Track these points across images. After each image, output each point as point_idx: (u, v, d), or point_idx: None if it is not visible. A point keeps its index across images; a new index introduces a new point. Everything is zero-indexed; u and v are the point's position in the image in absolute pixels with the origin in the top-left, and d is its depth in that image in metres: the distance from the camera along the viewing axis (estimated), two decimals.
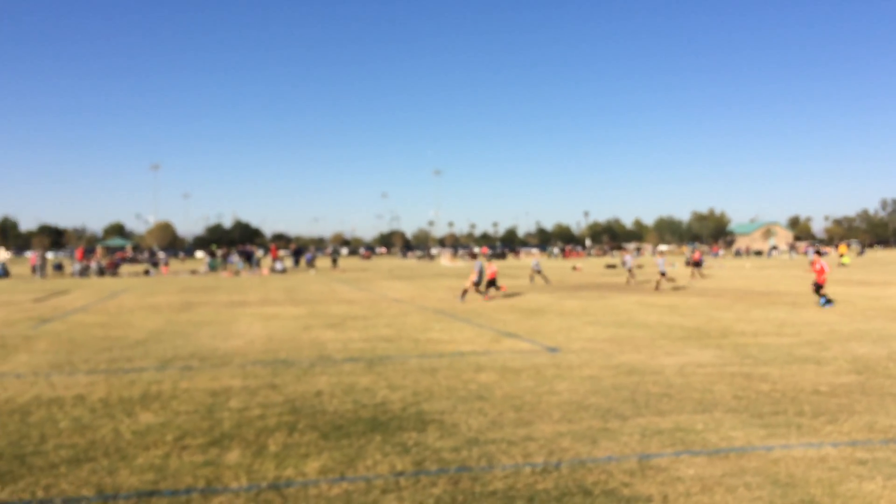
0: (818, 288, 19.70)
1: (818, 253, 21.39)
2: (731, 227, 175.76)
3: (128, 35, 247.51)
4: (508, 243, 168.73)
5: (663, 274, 28.87)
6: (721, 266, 55.27)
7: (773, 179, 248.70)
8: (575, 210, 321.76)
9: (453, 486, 5.36)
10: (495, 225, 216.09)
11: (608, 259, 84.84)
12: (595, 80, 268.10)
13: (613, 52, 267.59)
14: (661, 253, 43.69)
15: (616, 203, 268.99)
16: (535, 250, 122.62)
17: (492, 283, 23.97)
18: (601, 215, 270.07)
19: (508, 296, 25.05)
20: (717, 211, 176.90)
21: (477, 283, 23.66)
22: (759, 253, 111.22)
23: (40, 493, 5.24)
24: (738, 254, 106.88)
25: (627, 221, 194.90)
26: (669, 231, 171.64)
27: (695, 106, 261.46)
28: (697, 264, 38.50)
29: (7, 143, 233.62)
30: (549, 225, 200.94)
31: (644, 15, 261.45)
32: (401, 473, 5.65)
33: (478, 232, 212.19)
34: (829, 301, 19.36)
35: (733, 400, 8.22)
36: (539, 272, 34.02)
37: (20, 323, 17.05)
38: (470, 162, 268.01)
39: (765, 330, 14.65)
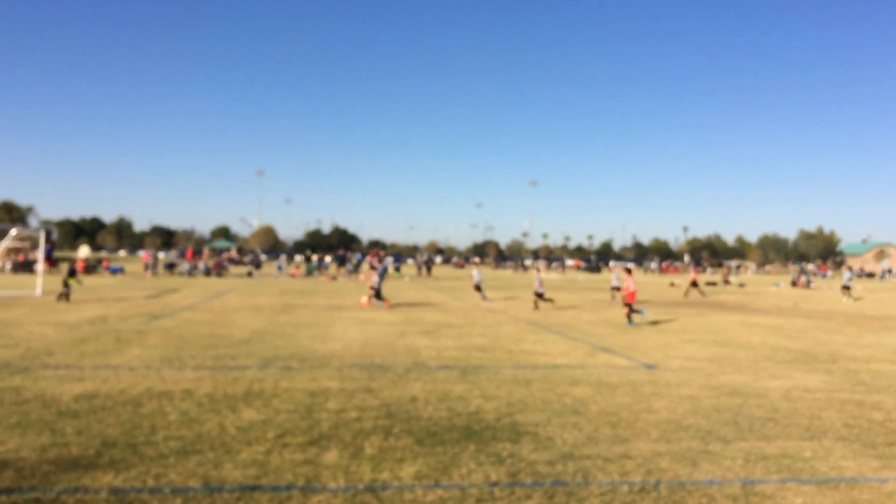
0: None
1: None
2: (842, 247, 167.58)
3: (237, 43, 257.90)
4: (603, 257, 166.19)
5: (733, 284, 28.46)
6: (829, 287, 52.76)
7: (889, 199, 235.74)
8: (674, 225, 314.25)
9: (548, 500, 5.31)
10: (590, 238, 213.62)
11: (708, 276, 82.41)
12: (698, 92, 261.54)
13: (721, 63, 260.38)
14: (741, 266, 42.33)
15: (717, 219, 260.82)
16: (630, 265, 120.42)
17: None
18: (701, 231, 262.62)
19: (605, 309, 24.64)
20: (827, 230, 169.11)
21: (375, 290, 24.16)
22: (870, 275, 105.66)
23: (151, 482, 5.49)
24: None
25: (729, 238, 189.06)
26: (774, 249, 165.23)
27: (806, 120, 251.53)
28: (695, 284, 37.40)
29: (124, 148, 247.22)
30: (646, 239, 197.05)
31: (763, 22, 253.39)
32: (495, 484, 5.64)
33: (572, 244, 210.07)
34: None
35: (844, 428, 7.83)
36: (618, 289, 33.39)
37: (134, 318, 17.95)
38: (566, 173, 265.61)
39: (878, 356, 13.90)
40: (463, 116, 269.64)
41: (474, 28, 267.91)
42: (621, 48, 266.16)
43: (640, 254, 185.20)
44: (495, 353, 13.05)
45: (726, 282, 55.18)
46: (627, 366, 12.01)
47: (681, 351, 14.02)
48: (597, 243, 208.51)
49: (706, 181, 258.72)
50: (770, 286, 55.00)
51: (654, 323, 19.82)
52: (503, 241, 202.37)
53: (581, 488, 5.60)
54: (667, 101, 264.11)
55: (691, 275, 39.15)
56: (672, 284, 51.24)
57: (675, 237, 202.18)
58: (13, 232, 33.10)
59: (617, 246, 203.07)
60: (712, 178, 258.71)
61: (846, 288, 34.78)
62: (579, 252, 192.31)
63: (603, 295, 35.35)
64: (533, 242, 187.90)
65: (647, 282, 59.62)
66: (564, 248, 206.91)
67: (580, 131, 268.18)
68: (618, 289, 29.17)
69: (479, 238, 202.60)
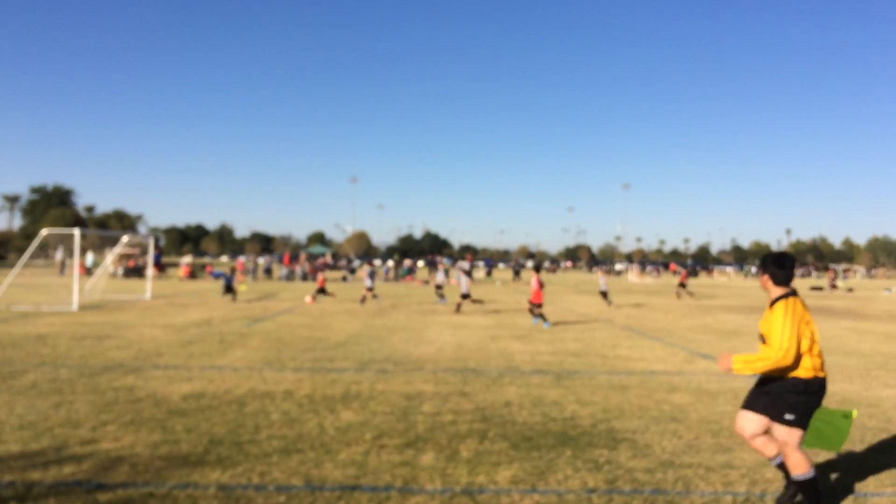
0: None
1: None
2: None
3: (333, 53, 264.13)
4: (700, 261, 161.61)
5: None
6: None
7: None
8: (776, 227, 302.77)
9: None
10: (686, 241, 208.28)
11: (813, 280, 79.01)
12: (801, 87, 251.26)
13: (829, 58, 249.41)
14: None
15: (823, 220, 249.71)
16: (729, 269, 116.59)
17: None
18: (805, 233, 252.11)
19: (703, 314, 23.98)
20: None
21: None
22: None
23: (256, 479, 5.69)
24: None
25: (836, 240, 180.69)
26: (885, 252, 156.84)
27: None
28: (683, 285, 35.72)
29: (226, 158, 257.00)
30: (745, 242, 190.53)
31: (879, 16, 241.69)
32: (593, 490, 5.57)
33: (667, 248, 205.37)
34: None
35: None
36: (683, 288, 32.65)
37: (235, 321, 18.62)
38: (660, 176, 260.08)
39: None
40: (554, 119, 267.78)
41: (564, 29, 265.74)
42: (719, 46, 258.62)
43: (740, 257, 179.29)
44: (589, 358, 12.89)
45: (833, 286, 52.71)
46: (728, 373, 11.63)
47: None
48: (693, 247, 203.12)
49: (811, 181, 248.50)
50: (881, 291, 52.24)
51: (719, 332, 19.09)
52: (595, 245, 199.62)
53: (682, 497, 5.47)
54: (768, 99, 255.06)
55: (682, 274, 37.76)
56: None
57: (777, 240, 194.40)
58: (125, 239, 34.87)
59: (715, 249, 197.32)
60: (818, 177, 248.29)
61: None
62: (675, 256, 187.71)
63: (700, 300, 34.41)
64: (626, 246, 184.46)
65: (747, 286, 57.65)
66: (659, 251, 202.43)
67: (675, 132, 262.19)
68: (605, 294, 28.24)
69: (570, 242, 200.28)
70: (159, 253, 60.55)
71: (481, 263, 69.85)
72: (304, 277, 52.03)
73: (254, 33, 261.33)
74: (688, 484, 5.78)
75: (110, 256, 37.91)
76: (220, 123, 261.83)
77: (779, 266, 5.06)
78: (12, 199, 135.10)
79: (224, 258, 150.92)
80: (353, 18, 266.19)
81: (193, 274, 50.84)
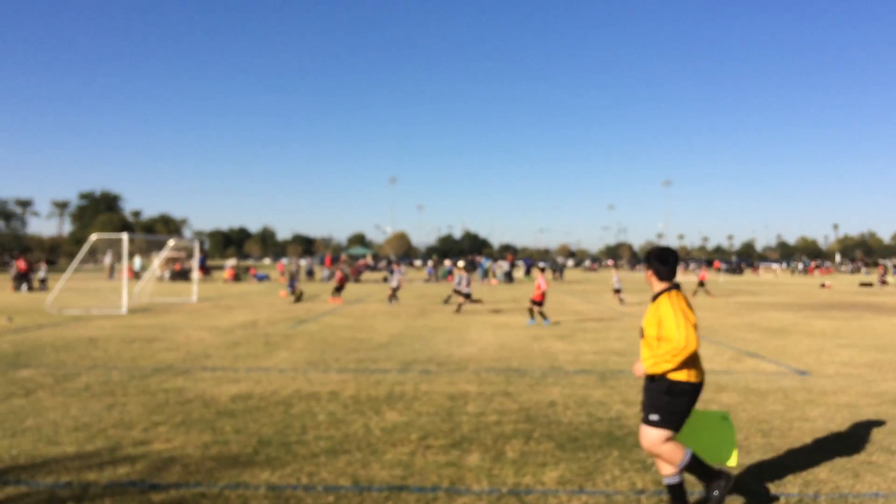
0: None
1: None
2: None
3: (368, 55, 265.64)
4: (745, 258, 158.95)
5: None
6: None
7: None
8: (823, 222, 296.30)
9: None
10: (730, 238, 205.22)
11: (862, 276, 77.22)
12: (845, 81, 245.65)
13: (875, 50, 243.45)
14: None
15: (872, 215, 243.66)
16: (775, 265, 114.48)
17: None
18: (853, 228, 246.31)
19: (750, 312, 23.59)
20: None
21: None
22: None
23: (304, 480, 5.75)
24: None
25: (885, 235, 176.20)
26: None
27: None
28: (702, 284, 34.98)
29: (267, 162, 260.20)
30: (791, 238, 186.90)
31: None
32: (641, 492, 5.52)
33: (710, 245, 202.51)
34: None
35: None
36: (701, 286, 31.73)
37: (280, 323, 18.85)
38: (702, 172, 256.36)
39: None
40: (594, 117, 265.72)
41: (603, 26, 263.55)
42: (762, 40, 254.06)
43: (786, 253, 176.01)
44: (634, 357, 12.76)
45: (883, 282, 51.42)
46: (777, 371, 11.44)
47: (835, 356, 13.20)
48: (737, 243, 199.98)
49: (859, 174, 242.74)
50: None
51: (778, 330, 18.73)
52: (637, 242, 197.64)
53: (733, 499, 5.39)
54: (813, 92, 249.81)
55: (701, 272, 36.89)
56: (823, 286, 48.31)
57: (824, 235, 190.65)
58: (171, 243, 35.51)
59: (760, 246, 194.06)
60: (866, 170, 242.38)
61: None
62: (719, 253, 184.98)
63: (746, 298, 33.88)
64: (668, 243, 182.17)
65: (793, 283, 56.57)
66: (702, 248, 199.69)
67: (716, 127, 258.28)
68: (618, 291, 29.06)
69: (611, 240, 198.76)
70: (204, 256, 61.52)
71: (521, 262, 69.64)
72: (346, 278, 52.41)
73: (294, 38, 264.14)
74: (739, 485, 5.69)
75: (157, 260, 38.65)
76: (262, 128, 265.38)
77: (662, 262, 5.08)
78: (62, 206, 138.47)
79: (266, 260, 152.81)
80: (391, 20, 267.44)
81: (237, 276, 51.56)
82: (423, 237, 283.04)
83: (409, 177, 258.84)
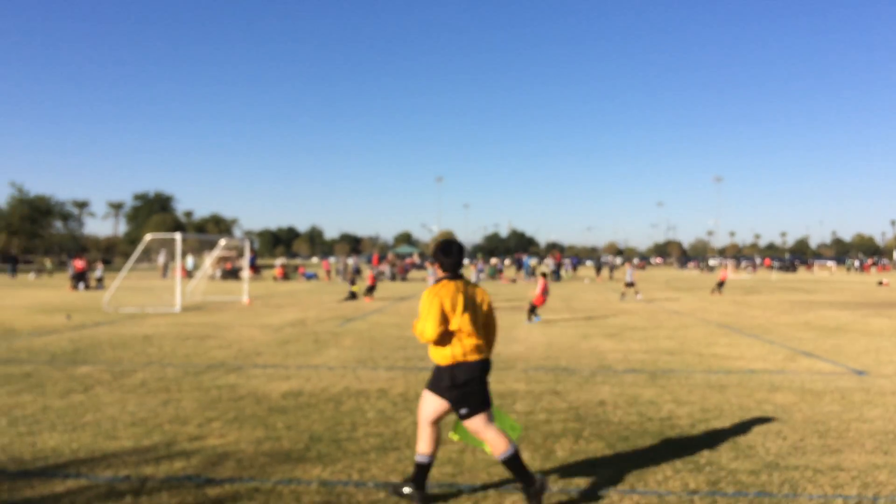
0: None
1: None
2: None
3: (416, 58, 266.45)
4: (799, 255, 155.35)
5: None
6: None
7: None
8: (880, 218, 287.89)
9: None
10: (783, 235, 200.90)
11: None
12: None
13: None
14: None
15: None
16: (830, 263, 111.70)
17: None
18: None
19: (804, 310, 23.06)
20: None
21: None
22: None
23: (355, 476, 5.80)
24: None
25: None
26: None
27: None
28: (721, 284, 34.05)
29: (314, 162, 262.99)
30: (847, 235, 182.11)
31: None
32: (695, 492, 5.44)
33: (763, 242, 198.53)
34: None
35: None
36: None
37: (329, 321, 19.04)
38: (754, 168, 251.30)
39: None
40: (642, 113, 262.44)
41: (647, 22, 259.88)
42: (813, 35, 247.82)
43: (842, 251, 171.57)
44: (685, 357, 12.59)
45: None
46: (833, 371, 11.16)
47: (894, 356, 12.83)
48: (791, 240, 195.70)
49: None
50: None
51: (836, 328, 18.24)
52: (686, 240, 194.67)
53: (789, 500, 5.28)
54: (866, 85, 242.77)
55: (722, 272, 35.84)
56: (880, 283, 46.97)
57: (881, 232, 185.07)
58: (222, 242, 36.14)
59: (814, 243, 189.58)
60: None
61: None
62: (771, 250, 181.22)
63: (800, 296, 33.15)
64: (719, 241, 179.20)
65: (849, 281, 55.12)
66: (754, 246, 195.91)
67: (768, 122, 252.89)
68: (631, 284, 29.30)
69: (660, 238, 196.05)
70: (254, 255, 62.46)
71: (568, 261, 69.34)
72: (393, 277, 52.72)
73: (340, 39, 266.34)
74: (795, 486, 5.57)
75: (209, 259, 39.36)
76: (310, 130, 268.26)
77: (445, 254, 5.29)
78: (117, 206, 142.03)
79: (314, 259, 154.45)
80: (435, 21, 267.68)
81: (287, 275, 52.25)
82: (469, 236, 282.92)
83: (456, 175, 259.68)
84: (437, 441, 5.30)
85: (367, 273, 28.88)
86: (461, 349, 5.12)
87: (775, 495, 5.38)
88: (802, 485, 5.62)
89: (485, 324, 5.38)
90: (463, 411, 5.15)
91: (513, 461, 5.08)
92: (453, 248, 5.31)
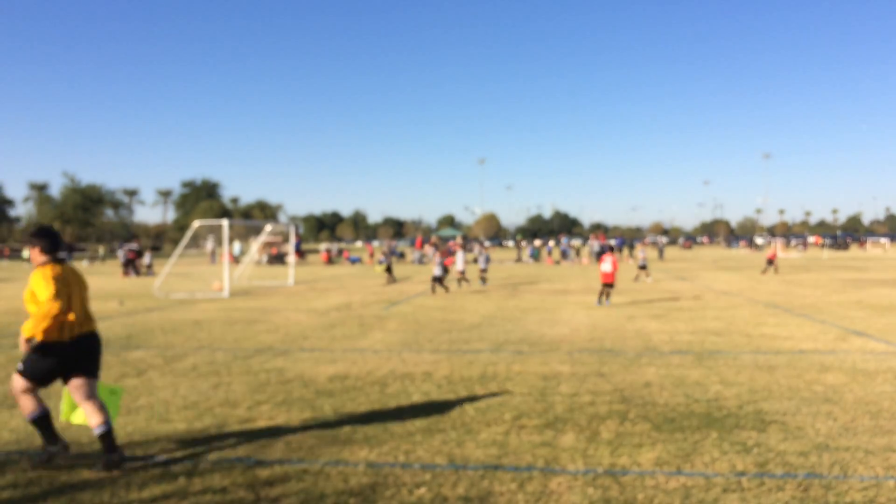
0: None
1: None
2: None
3: (458, 39, 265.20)
4: (851, 232, 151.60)
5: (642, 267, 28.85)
6: None
7: None
8: None
9: (802, 493, 5.00)
10: (835, 212, 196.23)
11: None
12: None
13: None
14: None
15: None
16: (884, 240, 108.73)
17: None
18: None
19: (856, 289, 22.55)
20: None
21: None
22: None
23: (402, 458, 5.88)
24: None
25: None
26: None
27: None
28: (770, 262, 32.87)
29: (357, 146, 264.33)
30: None
31: None
32: (742, 473, 5.40)
33: (814, 220, 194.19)
34: None
35: None
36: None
37: (373, 305, 19.22)
38: (804, 143, 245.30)
39: None
40: (686, 89, 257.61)
41: (697, 2, 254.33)
42: (857, 9, 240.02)
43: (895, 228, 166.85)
44: (732, 337, 12.43)
45: None
46: (886, 351, 10.92)
47: None
48: (842, 217, 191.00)
49: None
50: None
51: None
52: (734, 219, 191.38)
53: (840, 482, 5.21)
54: None
55: (771, 250, 34.54)
56: None
57: None
58: (268, 228, 36.63)
59: (867, 219, 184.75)
60: None
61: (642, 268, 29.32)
62: (822, 228, 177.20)
63: (852, 274, 32.37)
64: (768, 219, 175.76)
65: None
66: (805, 224, 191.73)
67: (817, 95, 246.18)
68: (643, 267, 29.12)
69: (707, 217, 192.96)
70: (299, 240, 63.15)
71: (613, 241, 68.68)
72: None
73: (382, 23, 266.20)
74: (845, 468, 5.49)
75: (255, 245, 39.94)
76: (352, 114, 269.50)
77: (42, 238, 5.72)
78: (165, 194, 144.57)
79: (359, 243, 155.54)
80: (476, 3, 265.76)
81: (331, 259, 52.74)
82: (512, 217, 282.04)
83: (499, 157, 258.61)
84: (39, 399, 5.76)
85: (439, 257, 26.75)
86: (60, 325, 5.58)
87: (825, 476, 5.31)
88: (853, 466, 5.54)
89: (83, 300, 5.84)
90: (20, 367, 5.62)
91: (36, 424, 5.71)
92: (49, 234, 5.77)
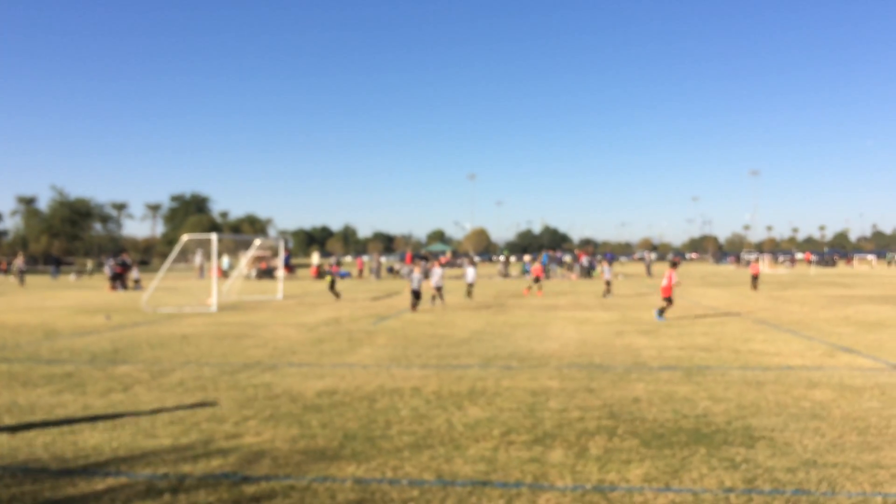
0: None
1: None
2: None
3: (448, 52, 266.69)
4: (838, 249, 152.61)
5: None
6: None
7: None
8: None
9: None
10: (822, 229, 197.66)
11: None
12: None
13: None
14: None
15: None
16: (870, 256, 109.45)
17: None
18: None
19: (843, 305, 22.66)
20: None
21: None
22: None
23: (389, 474, 5.85)
24: None
25: None
26: None
27: None
28: (755, 278, 33.28)
29: (347, 161, 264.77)
30: (888, 228, 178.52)
31: None
32: (730, 490, 5.40)
33: (801, 236, 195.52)
34: None
35: None
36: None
37: (362, 319, 19.16)
38: (792, 160, 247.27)
39: None
40: (675, 106, 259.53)
41: (679, 13, 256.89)
42: (845, 25, 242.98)
43: (882, 244, 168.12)
44: (721, 353, 12.45)
45: None
46: (874, 367, 10.97)
47: None
48: (830, 234, 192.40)
49: None
50: None
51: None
52: (722, 235, 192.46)
53: (828, 498, 5.21)
54: None
55: (753, 266, 34.76)
56: None
57: None
58: (257, 242, 36.53)
59: (854, 236, 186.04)
60: None
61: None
62: (810, 244, 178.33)
63: (840, 291, 32.55)
64: (756, 235, 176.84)
65: (890, 275, 54.01)
66: (792, 240, 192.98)
67: (805, 113, 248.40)
68: (608, 283, 29.84)
69: (695, 233, 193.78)
70: (289, 255, 62.98)
71: (670, 256, 68.87)
72: (426, 275, 52.74)
73: (370, 36, 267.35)
74: (833, 484, 5.50)
75: (244, 259, 39.80)
76: (341, 128, 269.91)
77: None
78: (154, 208, 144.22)
79: (348, 258, 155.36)
80: (467, 17, 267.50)
81: (321, 274, 52.60)
82: (502, 233, 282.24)
83: (489, 172, 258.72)
84: None
85: (417, 273, 25.49)
86: None
87: (813, 493, 5.32)
88: (841, 482, 5.54)
89: None
90: None
91: None
92: None
